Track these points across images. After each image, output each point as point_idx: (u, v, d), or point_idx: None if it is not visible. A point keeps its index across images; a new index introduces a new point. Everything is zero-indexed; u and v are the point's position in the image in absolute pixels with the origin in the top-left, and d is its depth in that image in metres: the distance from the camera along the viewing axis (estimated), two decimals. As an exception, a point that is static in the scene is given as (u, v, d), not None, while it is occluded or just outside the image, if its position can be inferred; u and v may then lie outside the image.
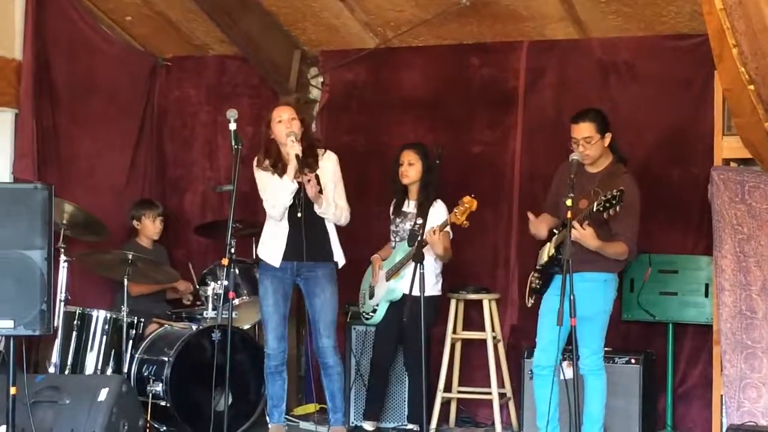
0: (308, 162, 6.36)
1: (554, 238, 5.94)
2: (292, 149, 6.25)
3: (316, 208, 6.36)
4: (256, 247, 7.73)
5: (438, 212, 6.80)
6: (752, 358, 6.16)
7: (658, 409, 7.02)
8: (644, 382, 6.69)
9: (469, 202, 6.42)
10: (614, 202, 5.54)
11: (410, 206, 6.95)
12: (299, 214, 6.31)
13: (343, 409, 6.63)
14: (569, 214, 5.44)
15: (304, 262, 6.37)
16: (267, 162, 6.46)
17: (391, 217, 7.04)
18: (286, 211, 6.38)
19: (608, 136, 5.97)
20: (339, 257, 6.54)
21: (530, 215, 6.11)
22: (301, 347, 8.01)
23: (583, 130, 5.93)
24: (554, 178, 6.24)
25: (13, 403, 5.15)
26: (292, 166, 6.25)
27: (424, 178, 6.88)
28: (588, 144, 5.90)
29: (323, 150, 6.56)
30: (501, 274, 7.58)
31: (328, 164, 6.51)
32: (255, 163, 6.53)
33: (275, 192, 6.35)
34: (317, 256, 6.43)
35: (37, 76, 7.18)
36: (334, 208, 6.44)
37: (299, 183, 6.27)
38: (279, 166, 6.40)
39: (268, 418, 6.76)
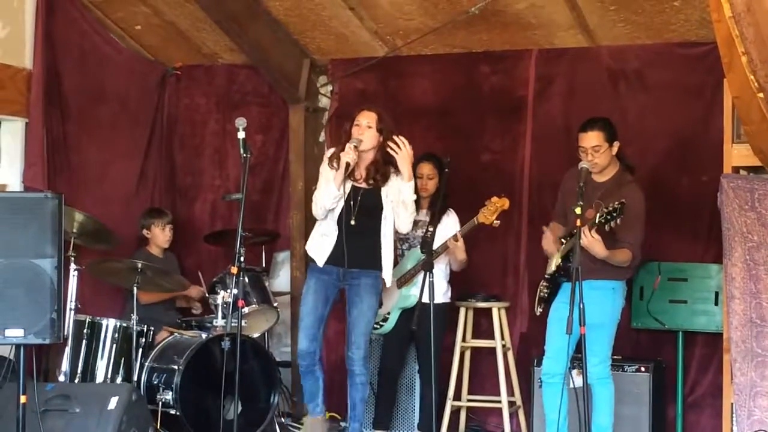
0: (374, 177, 6.20)
1: (562, 247, 5.95)
2: (345, 156, 6.08)
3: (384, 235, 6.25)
4: (266, 256, 7.79)
5: (450, 221, 6.83)
6: (762, 366, 6.14)
7: (667, 417, 7.00)
8: (654, 391, 6.69)
9: (499, 202, 6.53)
10: (615, 214, 5.58)
11: (422, 215, 6.97)
12: (352, 222, 6.15)
13: (361, 420, 6.49)
14: (578, 222, 5.45)
15: (349, 269, 6.20)
16: (335, 159, 6.22)
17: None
18: (327, 213, 6.19)
19: (616, 145, 6.01)
20: (386, 275, 6.30)
21: (545, 229, 6.12)
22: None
23: (592, 138, 5.96)
24: (560, 186, 6.26)
25: (23, 411, 5.15)
26: (340, 172, 6.09)
27: (440, 189, 6.90)
28: (596, 153, 5.93)
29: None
30: (510, 282, 7.58)
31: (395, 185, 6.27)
32: (326, 155, 6.35)
33: (319, 194, 6.20)
34: (363, 263, 6.23)
35: (47, 85, 7.20)
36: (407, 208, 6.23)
37: (357, 187, 6.18)
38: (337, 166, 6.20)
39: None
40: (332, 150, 6.34)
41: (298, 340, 6.38)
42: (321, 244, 6.28)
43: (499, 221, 6.61)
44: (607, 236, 5.76)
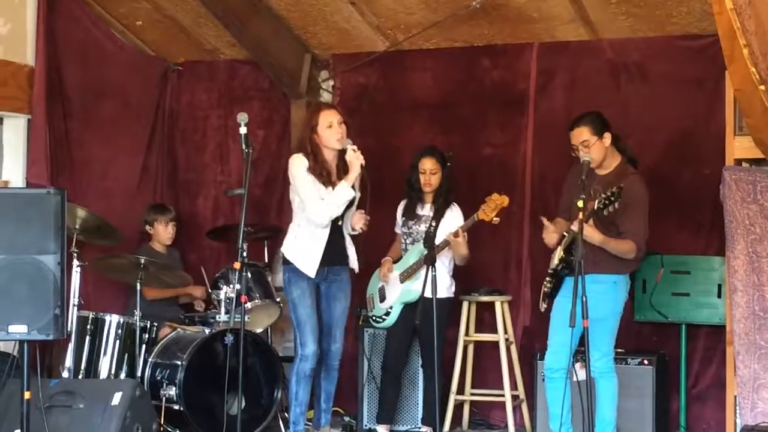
0: (344, 169, 6.23)
1: (564, 240, 5.94)
2: (357, 159, 6.12)
3: (349, 229, 6.34)
4: (268, 251, 7.78)
5: (454, 216, 6.83)
6: (766, 358, 6.15)
7: (671, 410, 7.00)
8: (657, 383, 6.69)
9: (499, 199, 6.51)
10: (612, 199, 5.56)
11: (425, 209, 6.96)
12: (339, 222, 6.24)
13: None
14: (580, 215, 5.44)
15: (333, 266, 6.32)
16: (315, 167, 6.19)
17: (402, 219, 7.04)
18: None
19: (607, 137, 5.97)
20: (354, 263, 6.44)
21: (545, 221, 6.10)
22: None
23: (578, 135, 5.96)
24: (565, 181, 6.25)
25: (27, 407, 5.16)
26: (355, 173, 6.13)
27: (443, 183, 6.90)
28: (586, 147, 5.92)
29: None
30: (513, 276, 7.58)
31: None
32: (300, 162, 6.21)
33: (331, 201, 6.14)
34: (342, 259, 6.37)
35: (50, 82, 7.21)
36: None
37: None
38: (325, 175, 6.20)
39: (284, 428, 6.77)
40: (301, 157, 6.22)
41: (304, 343, 6.26)
42: (311, 254, 6.24)
43: (499, 218, 6.60)
44: (610, 228, 5.75)
